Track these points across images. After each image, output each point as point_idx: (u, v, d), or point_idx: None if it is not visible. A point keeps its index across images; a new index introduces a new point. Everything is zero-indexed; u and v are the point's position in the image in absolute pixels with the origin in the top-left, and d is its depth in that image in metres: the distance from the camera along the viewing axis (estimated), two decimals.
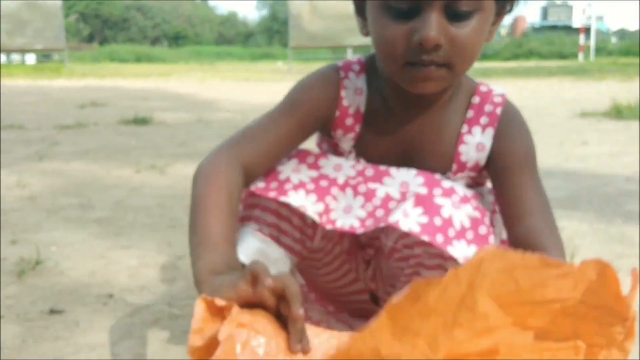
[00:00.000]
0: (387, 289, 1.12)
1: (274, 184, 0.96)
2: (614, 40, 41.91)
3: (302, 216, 0.96)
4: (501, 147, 0.96)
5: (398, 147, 0.98)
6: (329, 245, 1.07)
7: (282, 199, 0.94)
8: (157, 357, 1.21)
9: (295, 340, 0.67)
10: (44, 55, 20.86)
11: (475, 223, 0.90)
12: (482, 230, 0.91)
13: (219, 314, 0.67)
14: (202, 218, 0.85)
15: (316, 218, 0.93)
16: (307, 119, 0.99)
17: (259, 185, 0.97)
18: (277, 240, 0.99)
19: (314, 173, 0.96)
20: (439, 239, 0.86)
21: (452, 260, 0.89)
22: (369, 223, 0.90)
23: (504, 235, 0.97)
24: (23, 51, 17.66)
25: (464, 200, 0.91)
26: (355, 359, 0.56)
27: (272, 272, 0.69)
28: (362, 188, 0.93)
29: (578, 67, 15.08)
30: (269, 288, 0.67)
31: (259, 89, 9.28)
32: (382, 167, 0.95)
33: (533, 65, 18.09)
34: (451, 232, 0.87)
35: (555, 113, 5.67)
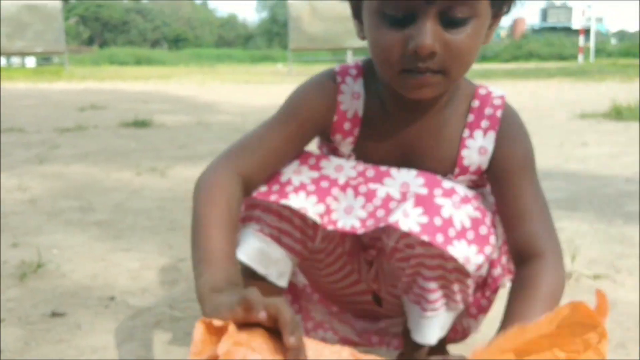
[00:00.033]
0: (389, 290, 1.12)
1: (275, 187, 0.96)
2: (613, 41, 41.93)
3: (303, 217, 0.96)
4: (502, 151, 0.96)
5: (397, 150, 0.99)
6: (331, 246, 1.07)
7: (283, 201, 0.94)
8: (159, 359, 1.21)
9: None
10: (44, 58, 20.87)
11: (475, 223, 0.90)
12: (483, 230, 0.91)
13: (218, 333, 0.69)
14: (202, 235, 0.87)
15: (317, 219, 0.93)
16: (304, 127, 0.99)
17: (261, 189, 0.97)
18: (278, 241, 0.99)
19: (314, 174, 0.96)
20: (439, 238, 0.87)
21: (453, 260, 0.89)
22: (370, 223, 0.90)
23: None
24: (23, 54, 17.68)
25: (465, 200, 0.91)
26: None
27: (266, 300, 0.71)
28: (362, 188, 0.93)
29: (578, 69, 15.09)
30: (262, 320, 0.69)
31: (258, 91, 9.28)
32: (383, 168, 0.95)
33: (533, 66, 18.10)
34: (451, 232, 0.88)
35: (555, 114, 5.67)
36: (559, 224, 0.91)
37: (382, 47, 0.87)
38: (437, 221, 0.87)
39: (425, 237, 0.86)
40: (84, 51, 31.53)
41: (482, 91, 0.99)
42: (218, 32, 52.88)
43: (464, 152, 0.97)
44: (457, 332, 1.14)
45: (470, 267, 0.89)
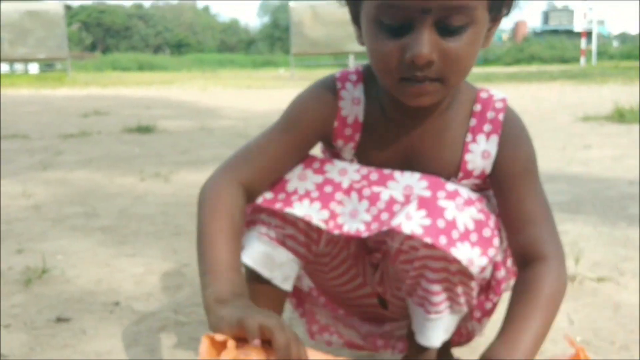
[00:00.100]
0: (394, 293, 1.12)
1: (281, 195, 0.97)
2: (615, 44, 41.93)
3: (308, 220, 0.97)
4: (505, 154, 0.97)
5: (399, 154, 0.99)
6: (335, 249, 1.08)
7: (287, 210, 0.96)
8: None
9: None
10: (47, 65, 20.95)
11: (479, 225, 0.91)
12: (487, 232, 0.91)
13: (220, 347, 0.77)
14: (207, 247, 0.91)
15: (322, 225, 0.94)
16: (305, 134, 1.00)
17: (266, 197, 0.99)
18: (283, 244, 1.00)
19: (319, 178, 0.97)
20: (442, 240, 0.87)
21: (456, 262, 0.89)
22: (374, 227, 0.91)
23: None
24: (26, 60, 17.75)
25: (468, 202, 0.91)
26: None
27: (262, 319, 0.77)
28: (366, 192, 0.94)
29: (580, 72, 15.09)
30: (256, 345, 0.75)
31: (260, 96, 9.30)
32: (387, 171, 0.96)
33: (535, 69, 18.11)
34: (455, 234, 0.88)
35: (558, 117, 5.67)
36: (562, 226, 0.92)
37: (379, 56, 0.87)
38: (441, 223, 0.88)
39: (428, 239, 0.87)
40: (87, 57, 31.63)
41: (483, 95, 0.99)
42: (220, 37, 53.00)
43: (468, 157, 0.97)
44: (462, 336, 1.14)
45: (474, 269, 0.90)
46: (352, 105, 0.99)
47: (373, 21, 0.86)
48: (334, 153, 1.04)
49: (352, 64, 15.63)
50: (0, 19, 14.63)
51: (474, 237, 0.90)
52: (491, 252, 0.91)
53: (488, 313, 1.09)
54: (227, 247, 0.91)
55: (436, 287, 0.95)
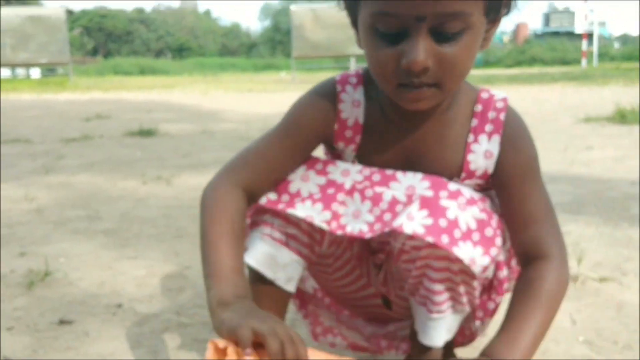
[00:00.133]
0: (398, 293, 1.13)
1: (285, 197, 0.98)
2: (616, 45, 41.91)
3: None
4: (507, 154, 0.97)
5: (401, 155, 0.99)
6: (339, 250, 1.08)
7: (290, 211, 0.96)
8: None
9: None
10: (49, 69, 20.99)
11: (481, 225, 0.91)
12: (489, 232, 0.92)
13: (223, 352, 0.80)
14: (209, 251, 0.94)
15: (324, 226, 0.94)
16: (305, 137, 1.01)
17: (270, 197, 0.99)
18: (286, 245, 1.00)
19: (321, 179, 0.97)
20: (444, 239, 0.87)
21: (459, 262, 0.90)
22: (377, 227, 0.91)
23: None
24: (27, 65, 17.78)
25: (470, 202, 0.91)
26: None
27: (258, 326, 0.80)
28: (369, 192, 0.94)
29: (581, 73, 15.09)
30: (249, 355, 0.78)
31: (262, 99, 9.31)
32: (389, 172, 0.96)
33: (536, 71, 18.11)
34: (457, 234, 0.88)
35: (559, 119, 5.67)
36: (565, 227, 0.92)
37: (377, 63, 0.88)
38: (442, 222, 0.88)
39: (430, 239, 0.87)
40: (88, 62, 31.70)
41: (484, 95, 1.00)
42: (221, 41, 53.08)
43: (470, 157, 0.97)
44: (465, 336, 1.14)
45: (476, 269, 0.90)
46: (352, 107, 1.00)
47: (369, 29, 0.86)
48: (335, 155, 1.05)
49: (354, 66, 15.66)
50: (1, 24, 14.66)
51: (476, 236, 0.90)
52: (493, 251, 0.92)
53: (491, 313, 1.09)
54: (229, 250, 0.93)
55: (438, 287, 0.95)
